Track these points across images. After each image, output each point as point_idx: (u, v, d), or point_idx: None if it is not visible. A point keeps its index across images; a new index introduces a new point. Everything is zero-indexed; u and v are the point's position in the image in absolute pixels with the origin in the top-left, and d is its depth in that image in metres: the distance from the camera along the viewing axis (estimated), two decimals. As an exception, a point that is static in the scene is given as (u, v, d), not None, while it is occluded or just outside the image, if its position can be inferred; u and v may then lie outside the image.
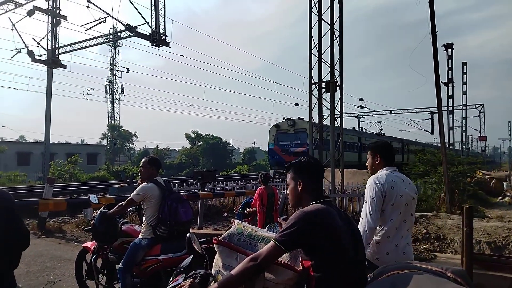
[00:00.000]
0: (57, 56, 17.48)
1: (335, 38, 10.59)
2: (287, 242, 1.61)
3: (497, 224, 7.76)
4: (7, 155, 33.06)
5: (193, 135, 53.31)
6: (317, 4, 10.83)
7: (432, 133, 40.69)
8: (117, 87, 52.86)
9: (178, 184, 11.62)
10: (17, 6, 16.99)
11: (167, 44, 14.60)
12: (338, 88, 10.72)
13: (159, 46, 14.71)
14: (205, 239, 2.96)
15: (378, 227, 2.51)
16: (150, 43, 14.48)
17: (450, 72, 27.14)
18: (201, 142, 51.52)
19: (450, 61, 27.30)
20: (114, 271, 3.84)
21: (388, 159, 2.70)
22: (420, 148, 38.82)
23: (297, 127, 22.82)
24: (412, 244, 7.08)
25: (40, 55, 17.30)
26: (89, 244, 4.30)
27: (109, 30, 25.01)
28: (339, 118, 11.37)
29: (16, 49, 17.40)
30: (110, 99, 53.15)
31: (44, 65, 17.92)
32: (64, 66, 17.99)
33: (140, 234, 3.69)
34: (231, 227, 1.94)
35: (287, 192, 1.97)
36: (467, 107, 34.59)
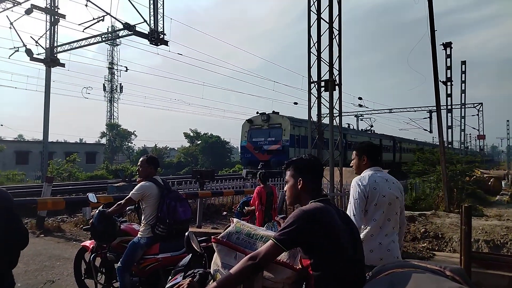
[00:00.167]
0: (55, 55, 17.45)
1: (334, 36, 10.57)
2: (286, 241, 1.61)
3: (495, 223, 7.77)
4: (6, 154, 32.96)
5: (191, 134, 53.24)
6: (315, 3, 10.81)
7: (431, 132, 40.77)
8: (116, 86, 52.78)
9: (177, 183, 11.62)
10: (15, 4, 16.94)
11: (165, 43, 14.58)
12: (337, 87, 10.71)
13: (157, 45, 14.69)
14: (203, 238, 2.96)
15: (362, 226, 2.59)
16: (148, 42, 14.46)
17: (448, 71, 27.13)
18: (200, 141, 51.45)
19: (448, 60, 27.29)
20: (113, 270, 3.84)
21: (375, 160, 2.78)
22: (414, 146, 37.95)
23: (272, 122, 20.82)
24: (411, 243, 7.14)
25: (38, 54, 17.27)
26: (88, 243, 4.30)
27: (107, 29, 24.97)
28: (338, 117, 11.36)
29: (14, 47, 17.41)
30: (108, 98, 53.08)
31: (42, 63, 17.88)
32: (63, 65, 17.96)
33: (139, 233, 3.69)
34: (229, 226, 1.94)
35: (285, 189, 1.96)
36: (466, 106, 34.64)
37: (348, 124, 30.80)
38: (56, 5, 17.96)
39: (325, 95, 10.89)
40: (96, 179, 26.67)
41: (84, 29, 15.66)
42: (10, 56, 17.73)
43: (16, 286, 2.17)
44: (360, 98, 36.85)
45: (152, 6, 13.99)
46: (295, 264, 1.72)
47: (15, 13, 17.22)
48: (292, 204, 1.95)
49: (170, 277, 2.31)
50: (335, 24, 10.66)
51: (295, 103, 32.80)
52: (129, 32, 14.57)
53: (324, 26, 10.81)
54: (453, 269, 1.39)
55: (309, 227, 1.61)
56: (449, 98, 27.70)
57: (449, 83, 27.06)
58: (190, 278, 1.81)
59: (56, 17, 17.74)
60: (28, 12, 16.50)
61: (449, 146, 28.54)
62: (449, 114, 29.51)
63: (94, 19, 15.24)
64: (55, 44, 17.46)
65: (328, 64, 10.66)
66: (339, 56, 10.63)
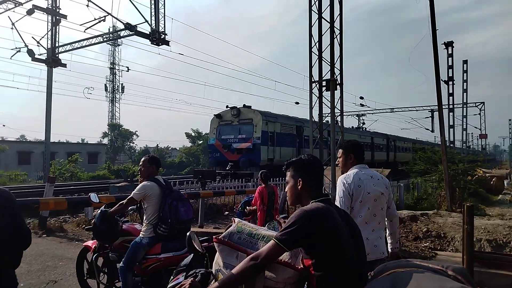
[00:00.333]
0: (57, 55, 17.48)
1: (335, 36, 10.57)
2: (288, 240, 1.61)
3: (498, 222, 7.76)
4: (8, 154, 33.09)
5: (193, 134, 53.28)
6: (317, 3, 10.81)
7: (432, 131, 40.65)
8: (117, 86, 52.91)
9: (179, 183, 11.63)
10: (17, 5, 16.97)
11: (167, 43, 14.59)
12: (338, 86, 10.71)
13: (159, 45, 14.69)
14: (205, 237, 2.96)
15: None
16: (150, 42, 14.47)
17: (450, 70, 27.10)
18: (201, 141, 51.49)
19: (450, 59, 27.26)
20: (115, 270, 3.85)
21: (361, 158, 2.90)
22: (411, 145, 36.74)
23: (242, 117, 18.63)
24: (413, 242, 7.13)
25: (40, 54, 17.30)
26: (90, 243, 4.31)
27: (109, 29, 24.94)
28: (339, 117, 11.35)
29: (16, 48, 17.42)
30: (110, 98, 53.19)
31: (44, 64, 17.90)
32: (64, 65, 17.99)
33: (141, 232, 3.69)
34: (231, 225, 1.94)
35: (287, 190, 1.97)
36: (468, 105, 34.56)
37: (337, 121, 30.19)
38: (57, 5, 18.00)
39: (327, 94, 10.90)
40: (98, 179, 26.74)
41: (86, 29, 15.70)
42: (12, 56, 17.78)
43: (19, 286, 2.18)
44: (361, 98, 36.82)
45: (153, 6, 13.99)
46: (296, 264, 1.72)
47: (16, 13, 17.29)
48: (293, 204, 1.96)
49: (172, 277, 2.31)
50: (336, 24, 10.66)
51: (297, 103, 32.79)
52: (131, 32, 14.58)
53: (325, 25, 10.81)
54: (455, 268, 1.39)
55: (311, 227, 1.61)
56: (450, 97, 27.64)
57: (450, 82, 27.01)
58: (192, 278, 1.81)
59: (57, 17, 17.78)
60: (30, 12, 16.54)
61: (451, 145, 28.49)
62: (451, 113, 29.50)
63: (95, 19, 15.27)
64: (57, 45, 17.50)
65: (329, 63, 10.65)
66: (340, 56, 10.63)
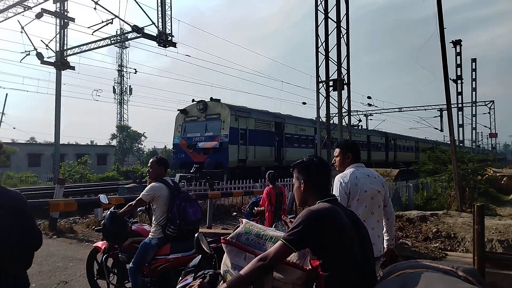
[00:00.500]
0: (65, 58, 17.72)
1: (341, 36, 10.53)
2: (295, 241, 1.61)
3: (509, 222, 7.64)
4: (18, 156, 33.52)
5: (200, 135, 53.39)
6: (323, 2, 10.78)
7: (441, 130, 40.26)
8: (125, 88, 53.29)
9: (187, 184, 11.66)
10: (26, 9, 17.24)
11: (173, 45, 14.69)
12: (345, 86, 10.67)
13: (166, 47, 14.81)
14: (213, 238, 2.97)
15: None
16: (157, 44, 14.58)
17: (458, 69, 26.82)
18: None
19: (458, 57, 26.97)
20: (125, 271, 3.88)
21: (358, 157, 2.93)
22: (413, 144, 35.21)
23: (210, 112, 16.48)
24: (423, 243, 7.07)
25: (48, 57, 17.57)
26: (100, 244, 4.34)
27: (116, 32, 25.21)
28: (347, 117, 11.30)
29: (25, 51, 17.70)
30: (118, 100, 53.59)
31: (52, 67, 18.19)
32: (73, 68, 18.24)
33: (150, 233, 3.71)
34: (239, 226, 1.95)
35: (294, 191, 1.98)
36: (477, 104, 34.17)
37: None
38: (65, 9, 18.22)
39: (334, 94, 10.86)
40: (107, 180, 26.97)
41: (93, 32, 15.87)
42: (21, 60, 18.07)
43: (31, 286, 2.21)
44: (369, 97, 36.64)
45: (160, 8, 14.11)
46: (305, 264, 1.72)
47: (26, 17, 17.51)
48: (301, 205, 1.96)
49: (180, 278, 2.32)
50: (343, 23, 10.62)
51: (304, 103, 32.73)
52: (138, 35, 14.72)
53: (332, 25, 10.79)
54: (466, 269, 1.38)
55: (318, 227, 1.62)
56: (459, 96, 27.38)
57: (459, 81, 26.73)
58: (200, 279, 1.81)
59: (65, 20, 18.00)
60: (39, 16, 16.80)
61: (460, 144, 28.14)
62: (460, 113, 29.15)
63: (102, 22, 15.45)
64: (65, 47, 17.72)
65: (336, 63, 10.61)
66: (347, 55, 10.59)
